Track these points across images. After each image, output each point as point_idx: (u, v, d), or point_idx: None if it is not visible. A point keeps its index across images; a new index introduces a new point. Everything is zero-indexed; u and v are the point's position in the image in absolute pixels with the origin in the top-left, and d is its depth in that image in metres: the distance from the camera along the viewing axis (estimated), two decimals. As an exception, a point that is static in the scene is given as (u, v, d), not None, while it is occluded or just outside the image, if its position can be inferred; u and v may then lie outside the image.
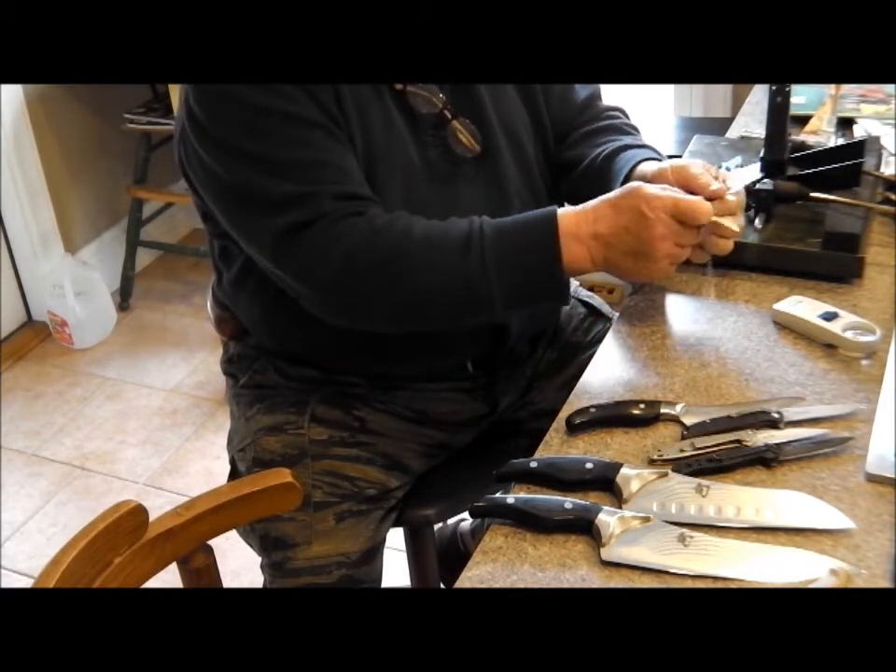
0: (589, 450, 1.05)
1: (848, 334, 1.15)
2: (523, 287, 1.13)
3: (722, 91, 3.01)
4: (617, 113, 1.38)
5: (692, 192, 1.13)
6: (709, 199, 1.13)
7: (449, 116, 1.22)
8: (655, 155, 1.25)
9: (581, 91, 1.37)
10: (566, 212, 1.13)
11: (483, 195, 1.25)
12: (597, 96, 1.39)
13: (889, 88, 1.69)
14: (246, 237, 1.19)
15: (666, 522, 0.94)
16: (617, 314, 1.28)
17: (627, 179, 1.21)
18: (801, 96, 1.64)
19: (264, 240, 1.16)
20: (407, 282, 1.13)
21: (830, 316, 1.17)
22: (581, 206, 1.14)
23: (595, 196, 1.15)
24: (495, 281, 1.11)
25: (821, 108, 1.64)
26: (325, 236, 1.13)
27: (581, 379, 1.16)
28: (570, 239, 1.12)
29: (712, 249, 1.17)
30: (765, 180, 1.35)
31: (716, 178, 1.16)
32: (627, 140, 1.30)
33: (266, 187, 1.13)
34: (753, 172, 1.38)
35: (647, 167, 1.21)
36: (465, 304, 1.14)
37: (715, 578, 0.89)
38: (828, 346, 1.16)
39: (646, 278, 1.21)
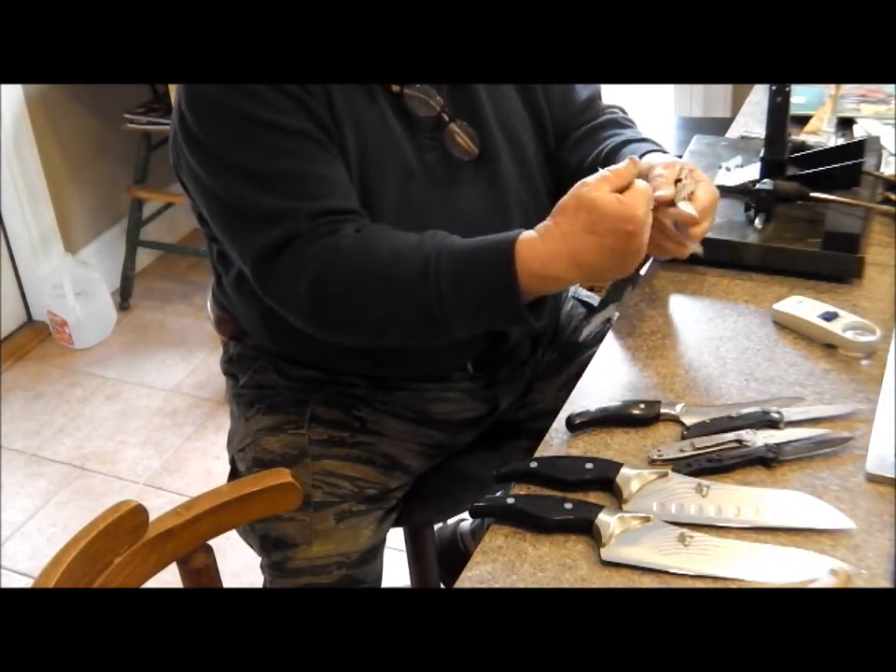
0: (589, 450, 1.05)
1: (848, 334, 1.15)
2: (479, 318, 1.11)
3: (722, 91, 3.01)
4: (615, 109, 1.38)
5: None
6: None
7: (447, 118, 1.22)
8: (656, 147, 1.25)
9: (582, 91, 1.37)
10: (531, 245, 1.06)
11: (482, 197, 1.25)
12: (598, 96, 1.39)
13: (889, 88, 1.69)
14: (233, 250, 1.20)
15: (666, 522, 0.94)
16: (617, 313, 1.28)
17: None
18: (801, 96, 1.64)
19: (245, 258, 1.17)
20: (370, 307, 1.12)
21: (830, 316, 1.17)
22: (546, 232, 1.06)
23: None
24: (451, 311, 1.09)
25: (821, 108, 1.64)
26: (297, 259, 1.12)
27: (581, 379, 1.16)
28: (545, 279, 1.06)
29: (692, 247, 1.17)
30: (765, 180, 1.35)
31: (679, 180, 1.13)
32: (628, 134, 1.29)
33: (249, 199, 1.13)
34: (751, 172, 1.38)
35: (650, 160, 1.20)
36: (425, 331, 1.13)
37: (715, 578, 0.89)
38: (828, 346, 1.16)
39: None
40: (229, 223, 1.18)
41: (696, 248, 1.20)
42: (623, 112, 1.39)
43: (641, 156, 1.21)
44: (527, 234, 1.07)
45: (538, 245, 1.06)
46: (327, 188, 1.14)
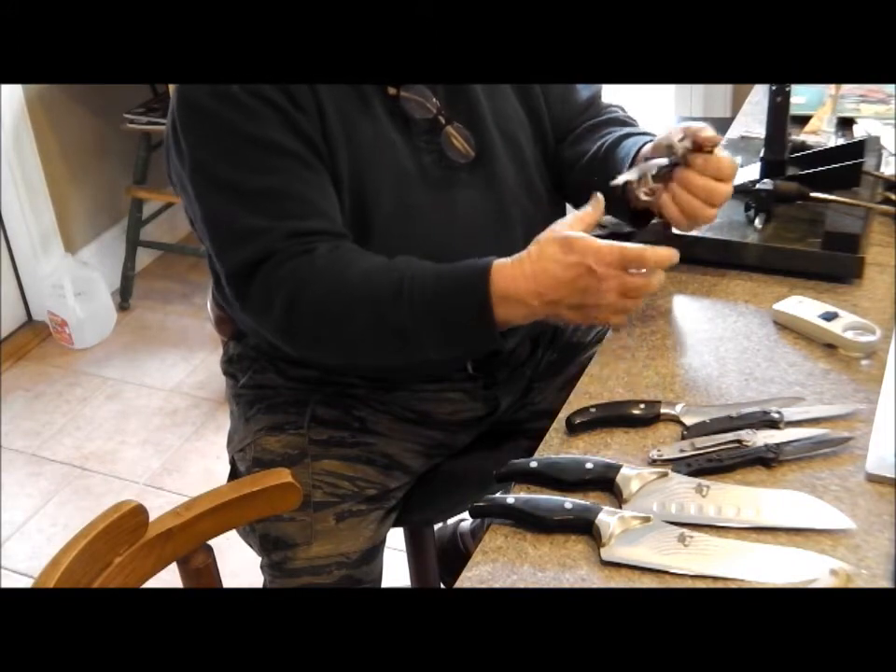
0: (589, 450, 1.05)
1: (848, 334, 1.15)
2: (452, 342, 1.11)
3: (722, 91, 3.01)
4: (616, 108, 1.38)
5: (699, 147, 1.14)
6: (710, 149, 1.14)
7: (443, 121, 1.22)
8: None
9: (583, 91, 1.37)
10: (502, 266, 1.08)
11: (480, 200, 1.25)
12: (598, 96, 1.39)
13: (888, 88, 1.69)
14: (214, 259, 1.20)
15: (666, 522, 0.94)
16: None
17: (633, 164, 1.21)
18: (801, 96, 1.64)
19: (224, 273, 1.18)
20: (343, 326, 1.12)
21: (830, 316, 1.17)
22: (517, 258, 1.08)
23: (600, 188, 1.14)
24: (422, 329, 1.09)
25: (821, 108, 1.64)
26: (271, 279, 1.13)
27: (581, 379, 1.16)
28: (509, 300, 1.07)
29: (698, 215, 1.16)
30: (765, 180, 1.35)
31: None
32: (629, 129, 1.30)
33: (228, 214, 1.14)
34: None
35: (652, 147, 1.20)
36: (396, 350, 1.13)
37: (715, 578, 0.89)
38: (828, 346, 1.16)
39: (591, 323, 1.15)
40: (210, 234, 1.19)
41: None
42: (624, 111, 1.39)
43: (641, 147, 1.21)
44: (501, 259, 1.09)
45: (507, 268, 1.07)
46: (307, 209, 1.14)
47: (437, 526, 1.68)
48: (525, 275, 1.06)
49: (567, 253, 1.05)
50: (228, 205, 1.14)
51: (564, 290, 1.06)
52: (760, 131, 1.49)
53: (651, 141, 1.23)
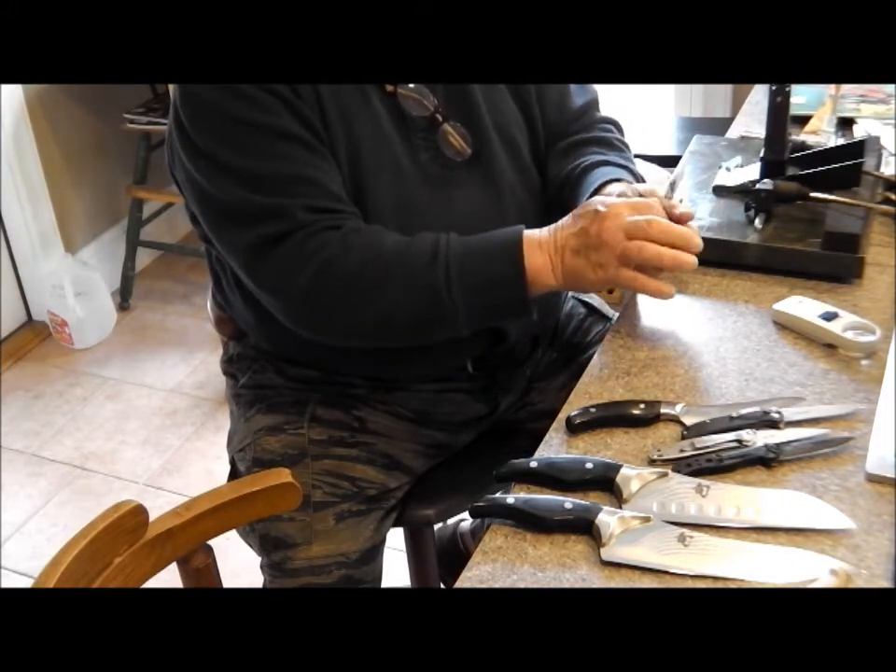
0: (589, 450, 1.05)
1: (848, 334, 1.15)
2: (485, 296, 1.14)
3: (722, 91, 3.01)
4: (610, 126, 1.37)
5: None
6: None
7: (440, 119, 1.22)
8: (629, 178, 1.25)
9: (578, 99, 1.36)
10: (530, 233, 1.15)
11: (478, 197, 1.25)
12: (594, 105, 1.38)
13: (888, 88, 1.69)
14: (223, 246, 1.20)
15: (666, 522, 0.94)
16: (617, 314, 1.28)
17: (595, 194, 1.21)
18: (801, 96, 1.64)
19: (238, 251, 1.18)
20: (374, 297, 1.14)
21: (830, 316, 1.17)
22: (545, 229, 1.15)
23: (569, 204, 1.18)
24: (457, 290, 1.12)
25: (821, 108, 1.64)
26: (299, 250, 1.14)
27: (581, 379, 1.16)
28: (533, 248, 1.13)
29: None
30: (765, 180, 1.35)
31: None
32: (611, 157, 1.29)
33: (241, 198, 1.14)
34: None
35: (614, 188, 1.21)
36: (428, 316, 1.15)
37: (715, 578, 0.89)
38: (828, 346, 1.16)
39: (602, 281, 1.14)
40: (220, 220, 1.18)
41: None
42: (619, 130, 1.38)
43: (604, 184, 1.22)
44: (530, 230, 1.15)
45: (534, 235, 1.14)
46: (317, 190, 1.15)
47: (437, 526, 1.68)
48: (548, 231, 1.15)
49: (582, 206, 1.15)
50: (238, 190, 1.14)
51: (575, 233, 1.12)
52: (760, 131, 1.49)
53: (618, 178, 1.23)
